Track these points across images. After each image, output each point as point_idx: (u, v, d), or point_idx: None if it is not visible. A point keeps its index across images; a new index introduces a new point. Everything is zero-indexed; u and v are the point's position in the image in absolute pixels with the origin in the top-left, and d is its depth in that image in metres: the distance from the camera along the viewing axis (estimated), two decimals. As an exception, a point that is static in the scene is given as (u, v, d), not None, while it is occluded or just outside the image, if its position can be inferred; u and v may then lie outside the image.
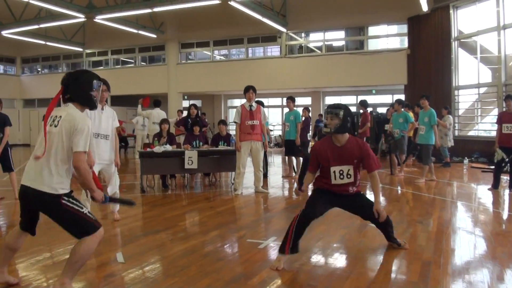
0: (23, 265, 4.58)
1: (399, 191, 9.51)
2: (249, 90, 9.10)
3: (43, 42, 23.72)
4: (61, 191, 3.60)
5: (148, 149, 9.38)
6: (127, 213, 7.31)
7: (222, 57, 25.34)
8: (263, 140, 9.28)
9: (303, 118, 11.99)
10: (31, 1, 16.53)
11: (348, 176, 4.63)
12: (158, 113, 14.48)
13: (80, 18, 18.72)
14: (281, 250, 4.49)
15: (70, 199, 3.64)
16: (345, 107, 4.62)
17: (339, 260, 4.78)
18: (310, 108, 14.24)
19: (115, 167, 6.56)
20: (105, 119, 6.34)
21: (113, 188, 6.60)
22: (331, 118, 4.57)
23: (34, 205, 3.71)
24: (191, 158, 9.22)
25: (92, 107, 3.86)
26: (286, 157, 12.28)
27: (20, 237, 3.92)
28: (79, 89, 3.73)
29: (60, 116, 3.65)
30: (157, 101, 15.24)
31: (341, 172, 4.62)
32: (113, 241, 5.42)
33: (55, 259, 4.75)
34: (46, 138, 3.62)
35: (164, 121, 10.18)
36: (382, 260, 4.72)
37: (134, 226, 6.48)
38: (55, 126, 3.63)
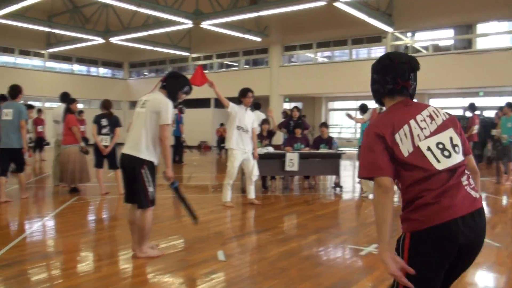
0: (124, 258, 4.80)
1: (506, 202, 8.84)
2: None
3: (150, 48, 24.94)
4: (145, 158, 4.55)
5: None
6: (226, 212, 7.47)
7: (325, 59, 25.16)
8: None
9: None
10: (139, 10, 17.40)
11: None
12: (258, 115, 14.71)
13: (187, 24, 19.43)
14: None
15: (149, 171, 4.59)
16: (373, 65, 2.70)
17: (446, 272, 4.52)
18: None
19: (254, 159, 7.96)
20: (247, 117, 7.84)
21: (254, 177, 8.03)
22: None
23: (124, 167, 4.70)
24: (292, 160, 9.22)
25: (174, 101, 4.72)
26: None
27: (133, 211, 4.75)
28: (174, 84, 4.78)
29: (148, 100, 4.69)
30: (257, 104, 15.54)
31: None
32: (215, 239, 5.55)
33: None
34: (133, 118, 4.74)
35: (264, 121, 10.28)
36: (486, 275, 4.39)
37: (234, 225, 6.60)
38: (143, 108, 4.66)
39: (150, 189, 4.61)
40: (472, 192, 2.34)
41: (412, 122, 2.39)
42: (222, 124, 21.35)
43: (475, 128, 12.27)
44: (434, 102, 23.55)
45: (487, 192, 9.84)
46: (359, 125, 12.08)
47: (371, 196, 8.80)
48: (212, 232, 5.95)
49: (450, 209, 2.23)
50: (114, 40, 22.98)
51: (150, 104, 4.63)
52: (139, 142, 4.57)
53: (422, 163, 2.31)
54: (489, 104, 21.14)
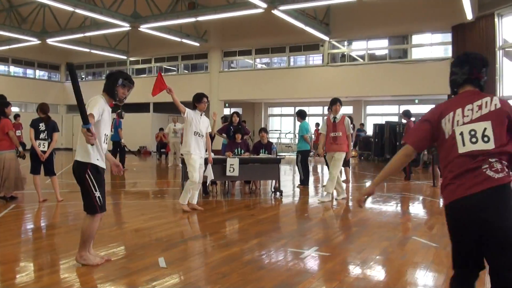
0: (65, 267, 4.67)
1: (442, 204, 9.28)
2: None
3: (87, 50, 24.39)
4: (87, 161, 4.49)
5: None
6: (167, 218, 7.41)
7: (264, 66, 25.46)
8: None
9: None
10: (76, 10, 17.00)
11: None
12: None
13: (125, 27, 19.15)
14: None
15: (93, 175, 4.51)
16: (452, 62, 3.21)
17: (381, 273, 4.69)
18: (352, 118, 14.10)
19: (209, 164, 8.31)
20: (202, 123, 7.93)
21: (208, 180, 8.53)
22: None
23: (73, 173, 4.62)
24: (232, 165, 9.26)
25: (114, 98, 4.71)
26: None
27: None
28: (109, 83, 4.72)
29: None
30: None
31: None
32: (156, 246, 5.49)
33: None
34: None
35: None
36: (425, 274, 4.61)
37: (175, 231, 6.55)
38: None
39: (97, 194, 4.53)
40: (491, 173, 2.68)
41: (458, 110, 2.86)
42: (161, 129, 21.14)
43: None
44: (370, 109, 24.39)
45: (424, 195, 10.29)
46: (297, 130, 12.31)
47: (324, 199, 9.27)
48: (153, 239, 5.88)
49: (463, 187, 2.71)
50: (51, 41, 22.38)
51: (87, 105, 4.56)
52: (81, 145, 4.53)
53: (451, 145, 2.83)
54: (424, 111, 22.07)
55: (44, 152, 8.40)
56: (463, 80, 3.00)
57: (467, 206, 2.70)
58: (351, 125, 11.31)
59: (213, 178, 8.49)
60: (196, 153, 7.78)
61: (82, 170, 4.50)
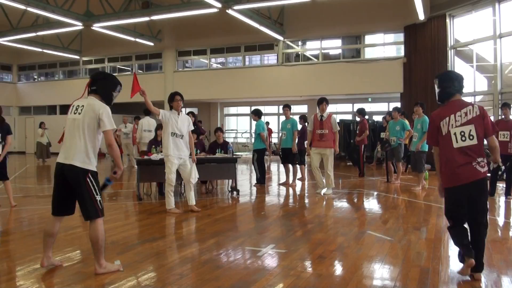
0: (21, 273, 4.55)
1: (396, 199, 9.53)
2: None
3: (40, 50, 23.75)
4: (89, 168, 4.41)
5: (146, 157, 9.36)
6: (123, 221, 7.31)
7: (219, 65, 25.41)
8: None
9: (300, 127, 11.99)
10: (28, 9, 16.55)
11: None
12: (148, 121, 14.60)
13: (78, 26, 18.75)
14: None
15: (94, 180, 4.44)
16: (438, 76, 4.61)
17: (337, 268, 4.78)
18: (306, 116, 14.28)
19: (192, 162, 7.97)
20: (181, 122, 7.74)
21: (194, 180, 8.01)
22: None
23: (67, 179, 4.42)
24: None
25: (108, 103, 4.60)
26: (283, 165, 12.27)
27: (56, 223, 4.59)
28: (106, 86, 4.59)
29: (83, 106, 4.45)
30: (147, 110, 15.34)
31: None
32: (111, 249, 5.39)
33: (51, 267, 4.69)
34: (66, 124, 4.51)
35: (160, 126, 10.18)
36: (381, 267, 4.72)
37: (131, 234, 6.46)
38: (79, 114, 4.43)
39: (98, 197, 4.44)
40: (478, 168, 4.27)
41: (452, 116, 4.34)
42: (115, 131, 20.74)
43: (367, 132, 13.14)
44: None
45: (378, 191, 10.52)
46: (253, 129, 12.38)
47: (324, 191, 9.88)
48: (109, 242, 5.77)
49: (458, 177, 4.28)
50: (2, 40, 21.70)
51: (86, 110, 4.43)
52: (80, 151, 4.40)
53: (449, 141, 4.33)
54: (378, 109, 22.61)
55: None
56: (455, 91, 4.45)
57: (464, 189, 4.28)
58: (307, 123, 11.48)
59: (198, 177, 8.25)
60: (175, 154, 7.68)
61: (82, 175, 4.38)
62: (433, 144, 4.53)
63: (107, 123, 4.42)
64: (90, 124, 4.41)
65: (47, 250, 4.61)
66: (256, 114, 11.57)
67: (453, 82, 4.46)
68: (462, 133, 4.29)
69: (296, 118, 12.41)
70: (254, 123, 11.90)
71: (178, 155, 7.74)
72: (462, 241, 4.32)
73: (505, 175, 9.29)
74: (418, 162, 10.55)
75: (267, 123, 21.10)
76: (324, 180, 9.99)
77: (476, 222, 4.34)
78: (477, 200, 4.30)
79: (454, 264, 4.83)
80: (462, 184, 4.25)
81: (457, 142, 4.28)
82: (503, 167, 8.98)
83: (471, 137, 4.26)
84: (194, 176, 8.03)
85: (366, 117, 14.10)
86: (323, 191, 9.90)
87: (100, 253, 4.46)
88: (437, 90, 4.57)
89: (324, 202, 9.05)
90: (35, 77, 30.24)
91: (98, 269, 4.46)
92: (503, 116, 9.22)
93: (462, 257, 4.37)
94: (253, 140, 11.78)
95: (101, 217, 4.46)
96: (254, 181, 11.99)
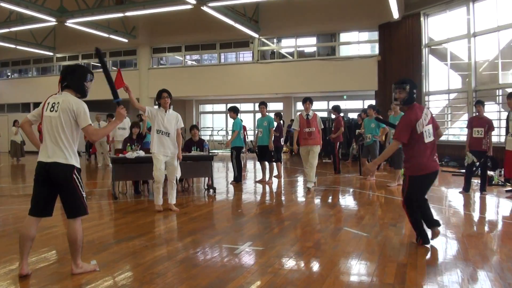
0: (-7, 274, 4.45)
1: (371, 195, 9.62)
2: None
3: (13, 46, 23.27)
4: (73, 163, 4.34)
5: (121, 155, 9.25)
6: (98, 220, 7.22)
7: (194, 62, 25.28)
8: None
9: (276, 124, 12.00)
10: (1, 4, 16.19)
11: None
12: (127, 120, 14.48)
13: (51, 21, 18.44)
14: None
15: (80, 176, 4.38)
16: (410, 81, 5.38)
17: (315, 264, 4.80)
18: (281, 114, 14.30)
19: (177, 160, 7.79)
20: (168, 120, 7.61)
21: (175, 177, 7.84)
22: (399, 92, 5.34)
23: (52, 177, 4.29)
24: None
25: (83, 95, 4.50)
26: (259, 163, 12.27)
27: (34, 225, 4.38)
28: (75, 79, 4.44)
29: (58, 103, 4.33)
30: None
31: None
32: (87, 249, 5.31)
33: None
34: (43, 122, 4.37)
35: (135, 124, 10.08)
36: (358, 263, 4.76)
37: (107, 233, 6.38)
38: (55, 111, 4.31)
39: (84, 194, 4.41)
40: (436, 160, 5.33)
41: (422, 117, 5.17)
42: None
43: (342, 130, 13.23)
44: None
45: (354, 187, 10.60)
46: (230, 127, 12.34)
47: (310, 185, 9.99)
48: (84, 241, 5.65)
49: (429, 166, 5.24)
50: (-26, 36, 21.08)
51: (62, 107, 4.31)
52: (63, 148, 4.30)
53: (422, 138, 5.17)
54: (353, 107, 22.78)
55: None
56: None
57: (427, 177, 5.29)
58: (282, 121, 11.51)
59: (180, 175, 8.15)
60: (160, 152, 7.58)
61: (69, 172, 4.30)
62: (404, 140, 5.17)
63: (82, 120, 4.32)
64: (66, 121, 4.31)
65: (26, 257, 4.37)
66: (234, 111, 11.54)
67: (416, 88, 5.41)
68: (428, 131, 5.21)
69: (272, 115, 12.40)
70: (230, 120, 11.85)
71: (164, 152, 7.63)
72: (426, 217, 5.45)
73: (479, 171, 9.46)
74: (397, 158, 10.60)
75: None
76: (314, 176, 10.12)
77: (425, 200, 5.48)
78: (431, 185, 5.45)
79: (432, 259, 4.90)
80: (429, 172, 5.22)
81: (427, 138, 5.19)
82: (477, 163, 9.16)
83: (430, 135, 5.23)
84: (178, 173, 7.96)
85: (341, 114, 14.19)
86: (309, 184, 10.01)
87: (77, 253, 4.39)
88: (404, 94, 5.29)
89: (301, 199, 9.08)
90: (9, 74, 29.62)
91: (75, 269, 4.39)
92: (477, 113, 9.38)
93: (424, 237, 5.36)
94: (229, 137, 11.70)
95: (87, 214, 4.45)
96: (230, 179, 11.96)
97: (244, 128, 18.29)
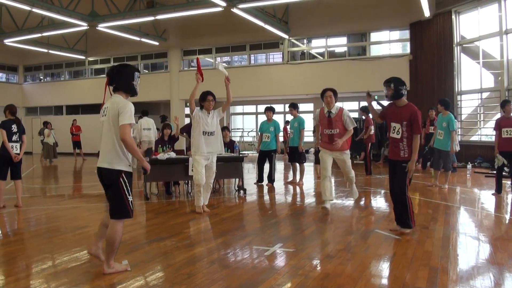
0: (29, 274, 4.56)
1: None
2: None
3: (45, 51, 23.80)
4: (119, 168, 4.43)
5: (153, 156, 9.36)
6: (130, 220, 7.30)
7: (224, 64, 25.37)
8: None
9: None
10: (34, 10, 16.61)
11: (398, 133, 6.00)
12: (146, 120, 14.80)
13: (83, 26, 18.79)
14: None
15: (127, 180, 4.48)
16: (394, 79, 6.08)
17: (346, 267, 4.75)
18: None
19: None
20: (211, 119, 7.84)
21: (212, 180, 8.06)
22: (386, 89, 6.07)
23: (102, 180, 4.55)
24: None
25: (134, 94, 4.60)
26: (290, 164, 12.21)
27: (107, 217, 4.60)
28: (124, 80, 4.51)
29: (107, 107, 4.46)
30: (145, 111, 15.46)
31: (394, 128, 6.06)
32: (119, 249, 5.39)
33: (59, 268, 4.72)
34: (101, 128, 4.53)
35: (166, 125, 10.18)
36: (390, 266, 4.70)
37: (138, 233, 6.46)
38: (105, 116, 4.46)
39: (130, 198, 4.49)
40: (402, 153, 5.96)
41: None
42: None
43: (372, 129, 13.02)
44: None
45: (385, 189, 10.49)
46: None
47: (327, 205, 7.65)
48: (116, 241, 5.78)
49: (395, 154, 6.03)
50: (8, 41, 21.72)
51: (110, 110, 4.42)
52: (111, 153, 4.43)
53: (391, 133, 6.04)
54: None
55: (17, 154, 8.23)
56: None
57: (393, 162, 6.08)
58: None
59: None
60: (204, 153, 7.67)
61: (115, 176, 4.42)
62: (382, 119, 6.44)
63: (122, 117, 4.33)
64: (115, 123, 4.38)
65: (98, 240, 4.71)
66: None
67: (404, 85, 6.06)
68: (394, 127, 6.07)
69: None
70: (260, 121, 11.74)
71: (209, 150, 7.71)
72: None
73: (510, 172, 9.24)
74: (446, 160, 10.36)
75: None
76: (333, 192, 8.03)
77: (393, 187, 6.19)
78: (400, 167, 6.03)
79: (464, 263, 4.80)
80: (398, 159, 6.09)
81: (392, 133, 6.10)
82: (508, 164, 8.94)
83: (396, 133, 6.04)
84: (213, 175, 8.02)
85: (371, 115, 13.99)
86: (326, 205, 7.61)
87: (112, 253, 4.49)
88: (390, 91, 6.01)
89: (332, 201, 9.01)
90: (41, 77, 30.31)
91: (106, 269, 4.47)
92: (504, 113, 9.15)
93: (404, 221, 6.00)
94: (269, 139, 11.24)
95: (131, 217, 4.55)
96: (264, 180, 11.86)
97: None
